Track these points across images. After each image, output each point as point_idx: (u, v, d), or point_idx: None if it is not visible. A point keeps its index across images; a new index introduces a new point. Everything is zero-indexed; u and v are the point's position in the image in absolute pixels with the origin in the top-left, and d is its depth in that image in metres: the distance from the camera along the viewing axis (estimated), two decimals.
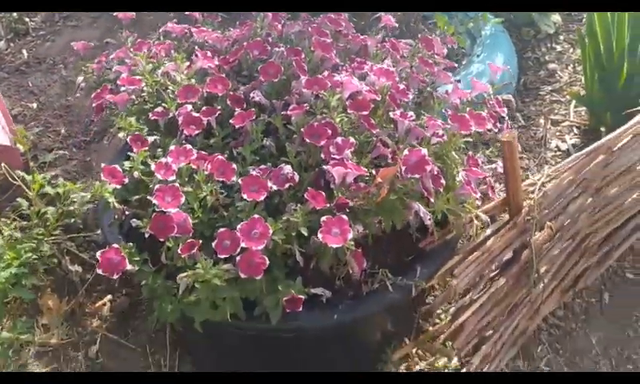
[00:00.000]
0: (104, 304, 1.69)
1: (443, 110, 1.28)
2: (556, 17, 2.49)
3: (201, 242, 1.05)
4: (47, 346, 1.60)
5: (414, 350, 1.51)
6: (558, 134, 2.09)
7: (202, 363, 1.54)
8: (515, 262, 1.31)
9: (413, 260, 1.26)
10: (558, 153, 2.01)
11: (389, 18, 1.56)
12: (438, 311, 1.58)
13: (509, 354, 1.45)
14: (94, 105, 1.34)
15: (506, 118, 1.37)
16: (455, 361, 1.47)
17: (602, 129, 2.02)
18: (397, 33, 1.61)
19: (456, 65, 1.66)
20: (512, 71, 2.06)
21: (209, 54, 1.33)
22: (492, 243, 1.25)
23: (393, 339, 1.48)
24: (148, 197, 1.12)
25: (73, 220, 1.65)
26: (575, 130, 2.09)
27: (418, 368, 1.50)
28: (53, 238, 1.66)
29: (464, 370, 1.40)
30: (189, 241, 1.04)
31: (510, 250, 1.29)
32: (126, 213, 1.17)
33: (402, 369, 1.49)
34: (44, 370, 1.55)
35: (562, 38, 2.48)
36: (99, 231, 1.80)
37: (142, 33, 2.27)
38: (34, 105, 2.21)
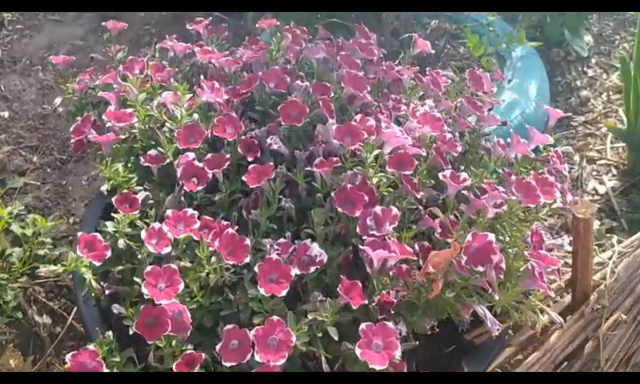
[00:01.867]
0: None
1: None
2: (587, 37, 2.28)
3: (203, 356, 0.81)
4: None
5: None
6: (594, 173, 1.87)
7: None
8: (578, 357, 1.09)
9: (455, 351, 1.04)
10: (597, 197, 1.80)
11: (425, 44, 1.33)
12: None
13: None
14: (72, 141, 1.09)
15: (567, 175, 1.15)
16: None
17: None
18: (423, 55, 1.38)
19: (499, 101, 1.44)
20: (545, 99, 1.84)
21: (216, 84, 1.08)
22: (555, 341, 1.03)
23: None
24: (134, 278, 0.88)
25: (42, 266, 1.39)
26: (613, 170, 1.88)
27: None
28: (18, 284, 1.41)
29: None
30: (187, 353, 0.80)
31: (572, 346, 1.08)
32: (106, 292, 0.93)
33: None
34: None
35: (593, 61, 2.27)
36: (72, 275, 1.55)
37: (135, 47, 1.98)
38: (6, 113, 1.94)
